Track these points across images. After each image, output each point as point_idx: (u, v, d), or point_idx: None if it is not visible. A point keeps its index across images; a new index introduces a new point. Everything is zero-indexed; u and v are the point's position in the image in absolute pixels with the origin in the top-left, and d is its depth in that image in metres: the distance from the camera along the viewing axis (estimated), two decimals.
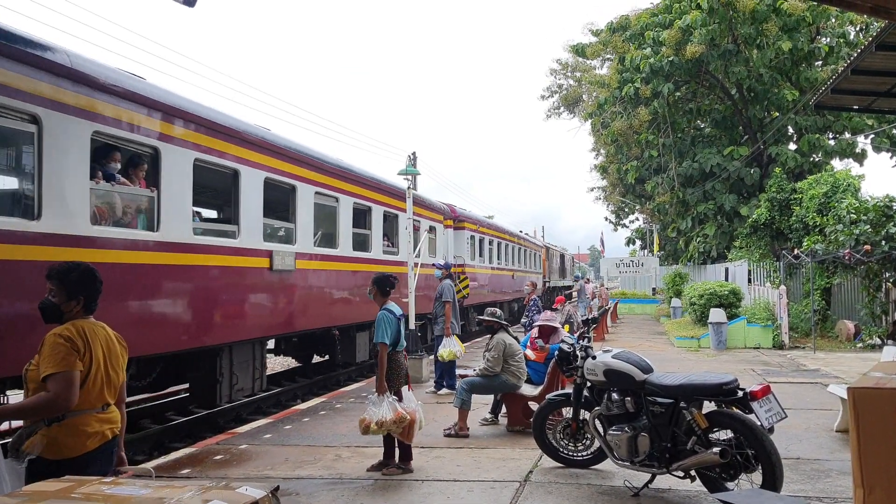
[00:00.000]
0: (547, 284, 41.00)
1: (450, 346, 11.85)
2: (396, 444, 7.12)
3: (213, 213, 13.33)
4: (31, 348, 4.18)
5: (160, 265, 8.93)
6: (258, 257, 11.05)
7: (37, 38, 7.42)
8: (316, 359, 15.87)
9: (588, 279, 38.73)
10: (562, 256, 54.14)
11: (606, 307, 27.02)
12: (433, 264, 15.25)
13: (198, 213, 11.07)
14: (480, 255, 24.89)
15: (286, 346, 14.48)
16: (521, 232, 35.52)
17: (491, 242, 26.68)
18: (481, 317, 9.74)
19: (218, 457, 7.99)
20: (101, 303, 4.20)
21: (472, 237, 23.85)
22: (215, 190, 11.82)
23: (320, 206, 13.21)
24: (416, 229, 16.21)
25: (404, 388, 7.17)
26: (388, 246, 16.66)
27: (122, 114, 8.41)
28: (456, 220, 22.47)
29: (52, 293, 4.03)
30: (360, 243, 14.96)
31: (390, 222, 16.90)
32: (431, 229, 19.35)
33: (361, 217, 15.13)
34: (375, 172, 16.10)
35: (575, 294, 27.99)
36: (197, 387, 10.86)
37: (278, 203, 12.22)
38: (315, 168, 12.97)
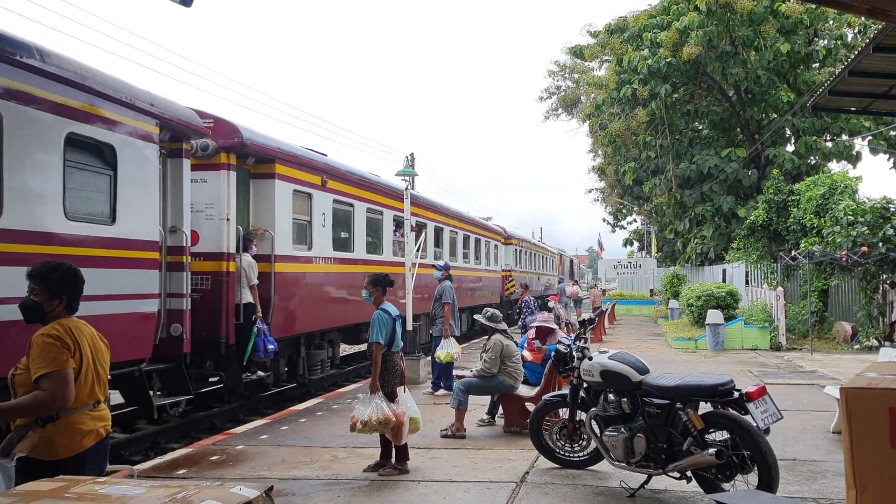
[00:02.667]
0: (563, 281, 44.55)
1: (447, 348, 11.82)
2: (393, 445, 7.12)
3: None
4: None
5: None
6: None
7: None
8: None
9: (575, 281, 44.24)
10: (571, 261, 63.42)
11: (600, 307, 27.72)
12: (432, 265, 15.32)
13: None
14: (519, 263, 32.77)
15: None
16: (541, 241, 47.54)
17: (527, 253, 35.81)
18: (476, 316, 9.74)
19: (214, 457, 7.99)
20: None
21: (516, 250, 32.11)
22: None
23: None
24: (418, 230, 16.85)
25: (400, 389, 7.18)
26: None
27: None
28: (507, 238, 31.02)
29: (35, 293, 4.01)
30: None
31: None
32: (496, 247, 28.36)
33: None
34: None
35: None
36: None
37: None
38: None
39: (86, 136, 7.73)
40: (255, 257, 11.18)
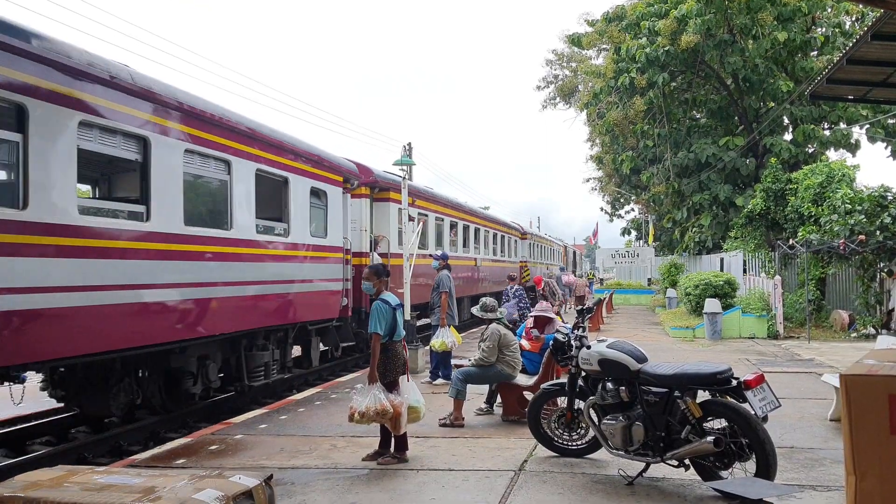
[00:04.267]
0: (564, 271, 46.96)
1: (443, 337, 11.91)
2: (392, 435, 7.14)
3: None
4: None
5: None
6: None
7: None
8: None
9: (573, 271, 50.49)
10: (574, 252, 70.40)
11: (583, 295, 29.88)
12: (429, 255, 16.98)
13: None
14: (532, 255, 38.90)
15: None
16: (547, 235, 53.56)
17: (538, 246, 42.07)
18: (472, 309, 9.73)
19: (213, 447, 8.00)
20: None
21: (531, 244, 38.40)
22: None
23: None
24: (420, 221, 18.43)
25: (403, 379, 7.19)
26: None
27: None
28: (523, 234, 36.75)
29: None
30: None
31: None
32: (515, 242, 34.39)
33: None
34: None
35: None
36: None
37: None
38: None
39: (316, 187, 13.29)
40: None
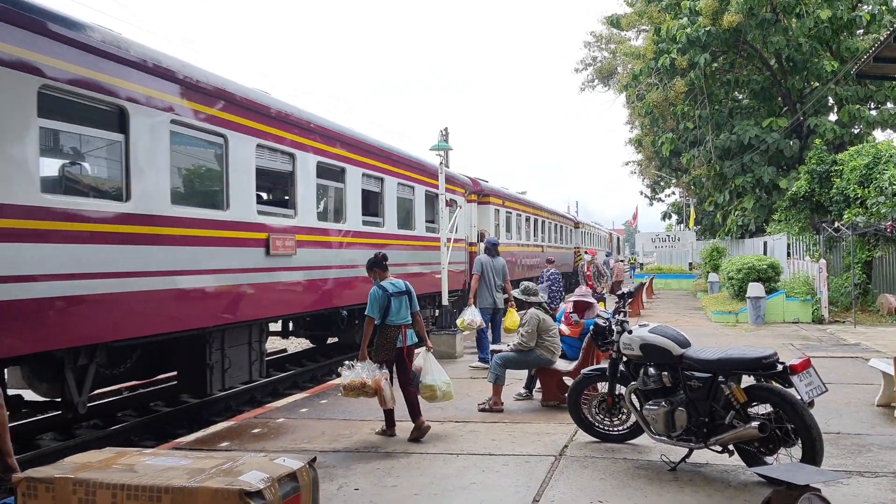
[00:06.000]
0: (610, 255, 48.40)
1: (465, 315, 12.17)
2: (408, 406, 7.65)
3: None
4: None
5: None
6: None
7: None
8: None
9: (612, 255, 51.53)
10: (618, 238, 78.49)
11: (621, 280, 29.22)
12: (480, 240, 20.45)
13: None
14: (583, 242, 43.92)
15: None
16: (594, 223, 58.49)
17: (588, 234, 48.26)
18: (513, 292, 9.81)
19: (256, 430, 8.11)
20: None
21: (582, 232, 44.59)
22: None
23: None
24: (450, 205, 19.12)
25: (420, 358, 7.79)
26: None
27: None
28: (577, 224, 43.46)
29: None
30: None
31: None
32: (570, 230, 40.01)
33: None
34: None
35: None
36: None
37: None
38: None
39: (451, 199, 17.73)
40: None
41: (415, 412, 7.57)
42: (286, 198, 12.08)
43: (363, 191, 13.89)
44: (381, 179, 14.78)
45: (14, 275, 6.60)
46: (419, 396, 7.68)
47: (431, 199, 17.26)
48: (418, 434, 7.40)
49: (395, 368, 7.69)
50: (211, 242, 9.35)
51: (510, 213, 25.37)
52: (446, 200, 14.78)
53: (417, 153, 17.26)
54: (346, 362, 7.55)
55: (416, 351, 7.88)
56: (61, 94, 7.24)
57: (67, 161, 7.97)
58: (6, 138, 6.63)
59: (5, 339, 6.57)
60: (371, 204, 14.62)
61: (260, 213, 10.53)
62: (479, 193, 22.23)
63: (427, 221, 17.25)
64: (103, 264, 7.61)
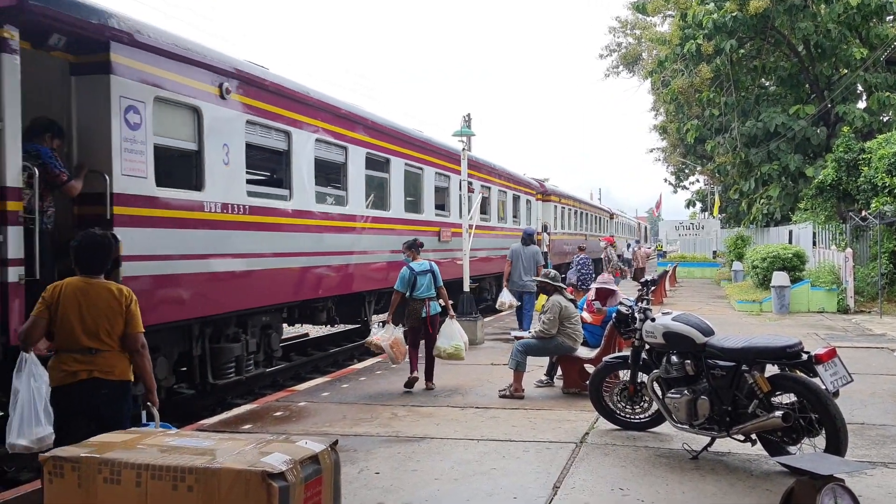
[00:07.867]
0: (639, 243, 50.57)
1: (502, 297, 13.82)
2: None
3: None
4: None
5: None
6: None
7: None
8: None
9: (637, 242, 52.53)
10: (646, 228, 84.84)
11: (643, 268, 31.79)
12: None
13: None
14: (616, 231, 46.91)
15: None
16: (621, 211, 62.62)
17: (622, 224, 55.10)
18: (536, 278, 9.99)
19: (278, 413, 8.18)
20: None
21: (616, 223, 49.36)
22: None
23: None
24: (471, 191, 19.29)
25: (446, 323, 9.36)
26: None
27: None
28: (611, 215, 48.13)
29: None
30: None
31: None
32: (605, 221, 44.24)
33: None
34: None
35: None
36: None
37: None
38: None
39: (528, 199, 24.60)
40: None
41: (428, 374, 9.27)
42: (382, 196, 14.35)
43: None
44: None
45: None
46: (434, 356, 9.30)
47: (528, 203, 23.77)
48: (424, 389, 9.12)
49: (422, 334, 9.25)
50: (335, 231, 11.97)
51: (564, 208, 30.82)
52: (525, 200, 19.23)
53: (453, 143, 17.36)
54: (377, 324, 9.40)
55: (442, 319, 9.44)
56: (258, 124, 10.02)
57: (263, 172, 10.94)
58: (232, 160, 9.25)
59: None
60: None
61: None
62: (544, 193, 27.37)
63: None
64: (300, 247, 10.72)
